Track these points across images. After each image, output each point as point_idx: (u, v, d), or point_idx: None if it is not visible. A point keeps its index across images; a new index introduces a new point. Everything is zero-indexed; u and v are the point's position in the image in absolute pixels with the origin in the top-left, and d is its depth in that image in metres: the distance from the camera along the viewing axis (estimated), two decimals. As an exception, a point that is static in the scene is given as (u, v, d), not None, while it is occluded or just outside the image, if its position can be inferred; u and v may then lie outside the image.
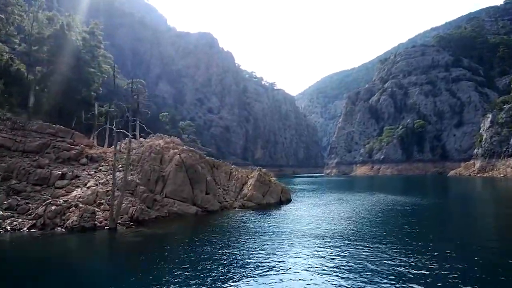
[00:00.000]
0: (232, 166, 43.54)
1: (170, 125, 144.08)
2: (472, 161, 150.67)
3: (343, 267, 17.37)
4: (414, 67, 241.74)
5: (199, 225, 29.75)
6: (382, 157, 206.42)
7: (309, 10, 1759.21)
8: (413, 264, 17.66)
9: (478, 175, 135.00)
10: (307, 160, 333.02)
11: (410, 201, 45.80)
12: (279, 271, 16.77)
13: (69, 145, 34.08)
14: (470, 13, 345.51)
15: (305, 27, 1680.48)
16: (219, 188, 38.15)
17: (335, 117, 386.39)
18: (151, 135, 41.29)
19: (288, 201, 44.61)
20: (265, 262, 18.17)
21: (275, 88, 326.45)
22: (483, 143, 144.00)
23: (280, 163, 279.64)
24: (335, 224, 28.67)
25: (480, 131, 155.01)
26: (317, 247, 21.73)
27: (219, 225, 28.82)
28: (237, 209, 36.69)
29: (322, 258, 19.14)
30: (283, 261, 18.50)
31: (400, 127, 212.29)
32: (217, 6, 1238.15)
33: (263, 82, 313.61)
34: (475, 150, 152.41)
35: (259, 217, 32.36)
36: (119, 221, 26.19)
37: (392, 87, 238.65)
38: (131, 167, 32.24)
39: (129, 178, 29.80)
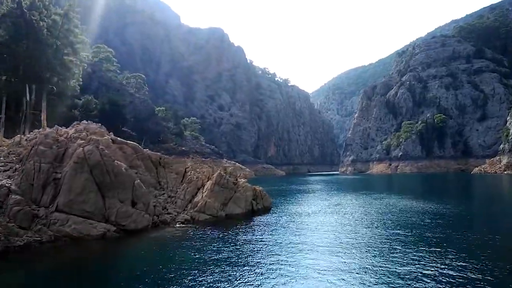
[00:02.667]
0: (189, 163, 32.91)
1: (172, 122, 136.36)
2: (498, 157, 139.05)
3: None
4: (433, 59, 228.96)
5: (89, 260, 18.52)
6: (401, 154, 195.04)
7: (325, 4, 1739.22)
8: None
9: (505, 172, 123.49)
10: (322, 157, 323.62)
11: (433, 209, 34.17)
12: None
13: None
14: (492, 4, 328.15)
15: (321, 22, 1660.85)
16: (163, 194, 28.24)
17: (351, 113, 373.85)
18: (84, 121, 31.12)
19: (266, 209, 33.53)
20: None
21: (289, 84, 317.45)
22: (510, 137, 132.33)
23: (294, 161, 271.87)
24: (311, 254, 18.75)
25: (507, 125, 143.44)
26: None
27: (123, 260, 18.47)
28: (178, 225, 25.67)
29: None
30: None
31: (420, 122, 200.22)
32: (230, 2, 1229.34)
33: (276, 79, 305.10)
34: (501, 146, 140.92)
35: (200, 240, 21.64)
36: None
37: (411, 80, 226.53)
38: (17, 166, 23.36)
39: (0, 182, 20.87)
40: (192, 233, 23.59)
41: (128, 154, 26.32)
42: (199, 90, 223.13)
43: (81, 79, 76.19)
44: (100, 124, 29.45)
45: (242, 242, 21.00)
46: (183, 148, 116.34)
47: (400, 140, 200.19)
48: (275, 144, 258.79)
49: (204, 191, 28.44)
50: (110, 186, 22.01)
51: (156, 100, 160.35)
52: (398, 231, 23.82)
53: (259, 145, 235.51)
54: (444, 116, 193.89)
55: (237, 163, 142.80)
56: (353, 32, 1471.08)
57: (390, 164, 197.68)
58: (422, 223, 26.97)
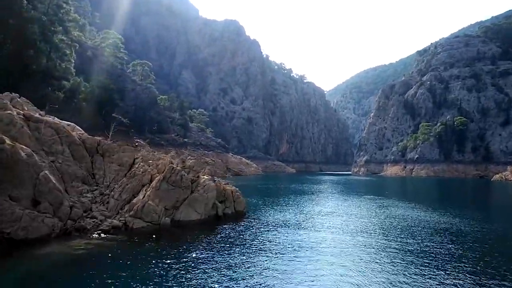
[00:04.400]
0: (141, 153, 25.99)
1: (178, 112, 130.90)
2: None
3: None
4: (456, 59, 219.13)
5: None
6: (417, 156, 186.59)
7: (346, 2, 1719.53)
8: None
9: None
10: (336, 157, 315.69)
11: (453, 226, 27.10)
12: None
13: None
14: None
15: (341, 19, 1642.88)
16: (95, 190, 21.56)
17: (368, 113, 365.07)
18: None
19: (237, 215, 26.81)
20: None
21: (305, 81, 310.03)
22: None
23: (306, 159, 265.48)
24: None
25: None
26: None
27: None
28: (97, 235, 18.54)
29: None
30: None
31: (439, 124, 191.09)
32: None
33: (292, 75, 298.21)
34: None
35: (109, 261, 15.08)
36: None
37: (431, 80, 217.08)
38: None
39: None
40: (105, 249, 16.67)
41: (46, 136, 20.08)
42: (212, 82, 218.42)
43: (73, 60, 71.39)
44: (14, 93, 22.97)
45: (171, 268, 14.59)
46: (186, 140, 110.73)
47: (417, 142, 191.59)
48: (288, 141, 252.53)
49: (148, 190, 22.02)
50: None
51: (168, 91, 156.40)
52: (400, 260, 17.40)
53: (271, 141, 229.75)
54: (465, 119, 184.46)
55: (243, 158, 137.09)
56: (374, 31, 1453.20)
57: (405, 167, 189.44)
58: (436, 246, 20.16)
